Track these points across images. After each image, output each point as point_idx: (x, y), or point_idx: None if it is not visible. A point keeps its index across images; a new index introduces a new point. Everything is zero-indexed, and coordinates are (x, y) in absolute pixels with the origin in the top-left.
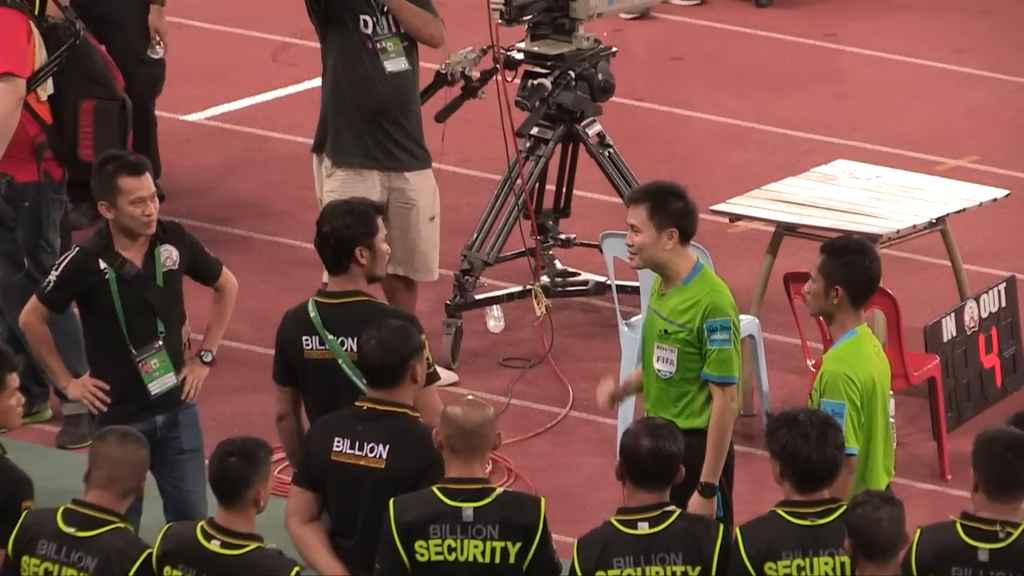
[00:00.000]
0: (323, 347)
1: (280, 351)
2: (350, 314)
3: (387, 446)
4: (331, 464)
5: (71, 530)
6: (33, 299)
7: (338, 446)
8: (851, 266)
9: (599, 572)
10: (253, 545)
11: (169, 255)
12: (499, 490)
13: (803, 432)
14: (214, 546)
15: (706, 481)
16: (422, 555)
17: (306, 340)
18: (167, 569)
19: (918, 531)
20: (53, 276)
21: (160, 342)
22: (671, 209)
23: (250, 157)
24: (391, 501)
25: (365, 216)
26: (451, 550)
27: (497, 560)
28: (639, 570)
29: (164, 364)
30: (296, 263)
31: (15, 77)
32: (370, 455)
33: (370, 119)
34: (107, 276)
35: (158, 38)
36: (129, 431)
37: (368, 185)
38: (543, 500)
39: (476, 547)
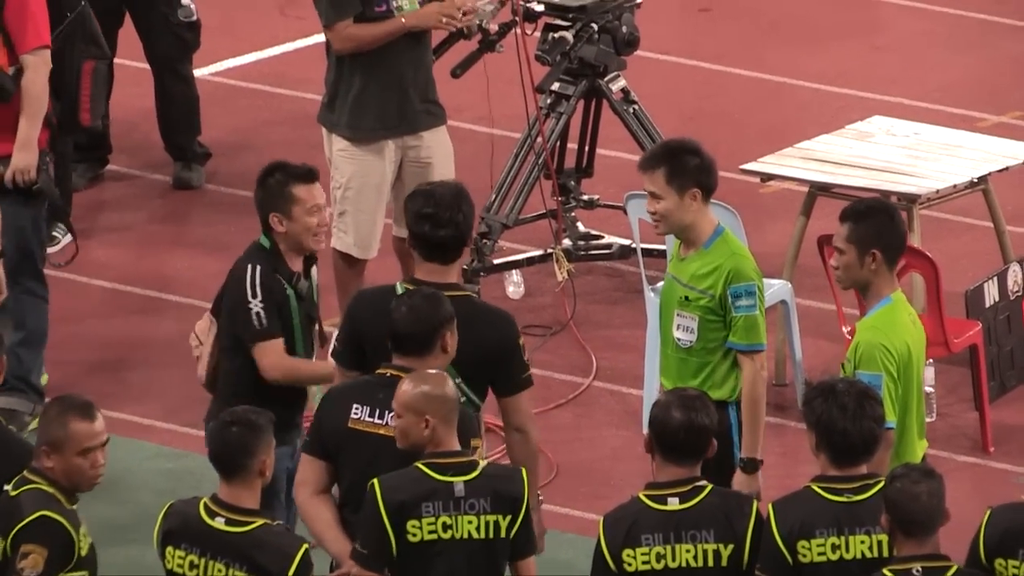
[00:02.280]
0: None
1: (351, 330)
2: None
3: None
4: (347, 432)
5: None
6: (267, 344)
7: (356, 413)
8: (882, 226)
9: (627, 550)
10: (260, 521)
11: (315, 268)
12: (483, 462)
13: (840, 403)
14: (218, 523)
15: (748, 456)
16: (414, 535)
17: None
18: (169, 549)
19: (988, 511)
20: (260, 308)
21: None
22: (689, 167)
23: (257, 114)
24: (375, 481)
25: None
26: (446, 527)
27: (491, 535)
28: (668, 548)
29: None
30: None
31: (46, 49)
32: (391, 423)
33: (386, 83)
34: (288, 293)
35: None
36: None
37: (384, 163)
38: (525, 471)
39: (470, 522)
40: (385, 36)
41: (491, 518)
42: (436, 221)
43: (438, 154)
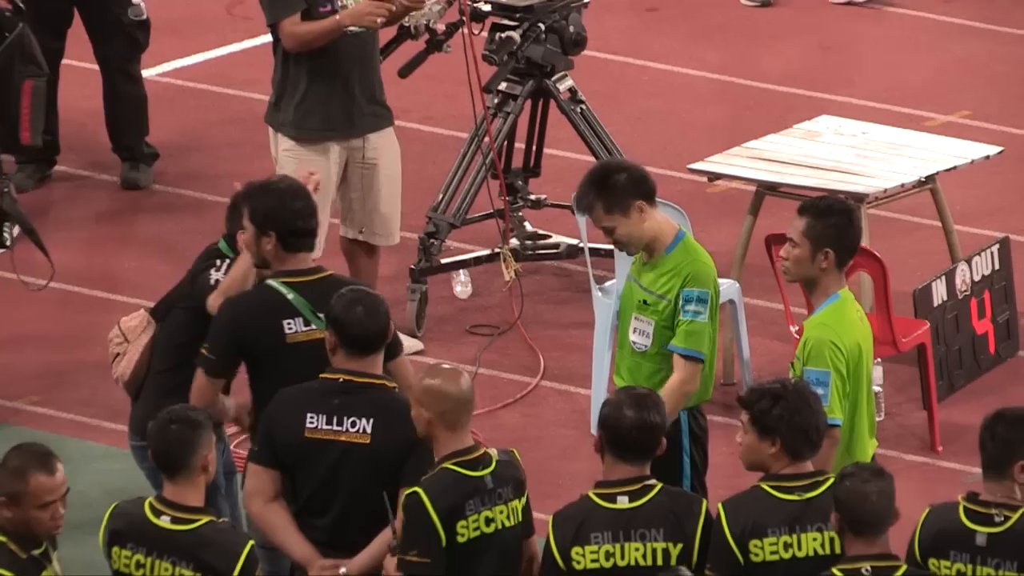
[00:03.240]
0: (309, 328)
1: (232, 338)
2: (329, 290)
3: (371, 420)
4: (304, 441)
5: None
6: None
7: (312, 422)
8: (840, 227)
9: (576, 548)
10: (205, 519)
11: None
12: (492, 451)
13: (794, 401)
14: (164, 522)
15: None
16: (462, 535)
17: (288, 324)
18: (116, 550)
19: (926, 510)
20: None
21: None
22: (620, 187)
23: (205, 115)
24: (420, 490)
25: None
26: (488, 521)
27: (515, 521)
28: (618, 546)
29: None
30: None
31: None
32: (351, 430)
33: (332, 85)
34: None
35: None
36: None
37: (329, 164)
38: (516, 452)
39: (502, 512)
40: (326, 34)
41: (514, 504)
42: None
43: (384, 156)
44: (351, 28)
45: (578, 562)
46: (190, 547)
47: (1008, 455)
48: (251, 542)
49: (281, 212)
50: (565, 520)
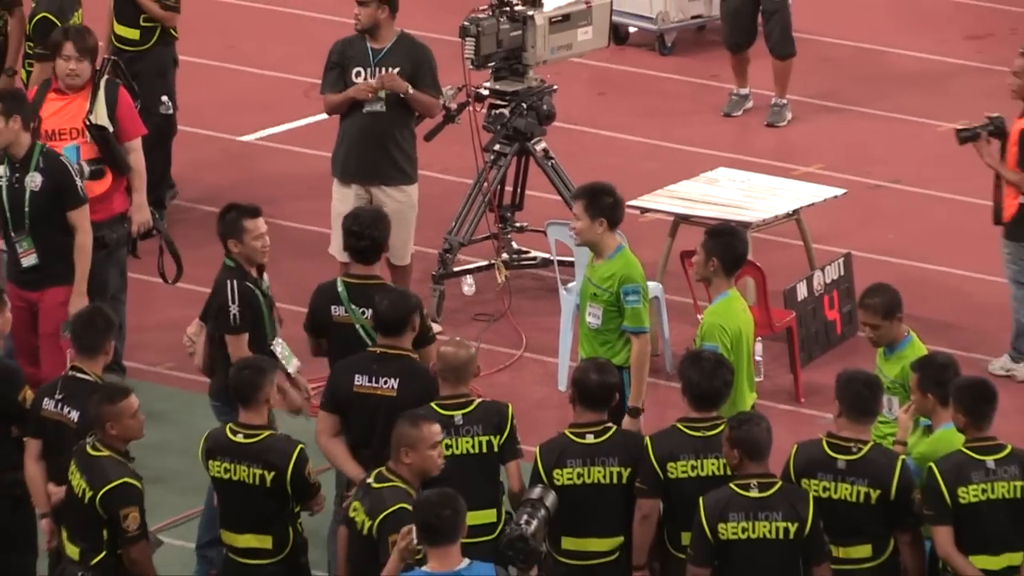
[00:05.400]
0: (346, 313)
1: (313, 313)
2: (370, 291)
3: (397, 380)
4: (354, 395)
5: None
6: (237, 337)
7: (358, 381)
8: (725, 244)
9: (556, 469)
10: (266, 433)
11: (265, 274)
12: (478, 400)
13: (701, 367)
14: (239, 438)
15: (633, 405)
16: None
17: (333, 310)
18: (211, 462)
19: (795, 446)
20: (237, 312)
21: None
22: (601, 204)
23: (290, 166)
24: (402, 415)
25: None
26: (447, 447)
27: (484, 450)
28: (586, 469)
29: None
30: (311, 242)
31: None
32: (384, 386)
33: (352, 144)
34: (255, 292)
35: (166, 99)
36: None
37: (345, 195)
38: (510, 405)
39: (467, 443)
40: (340, 103)
41: (483, 438)
42: (357, 235)
43: (391, 204)
44: (367, 107)
45: (558, 479)
46: (258, 453)
47: (866, 404)
48: (300, 446)
49: (345, 235)
50: (549, 450)
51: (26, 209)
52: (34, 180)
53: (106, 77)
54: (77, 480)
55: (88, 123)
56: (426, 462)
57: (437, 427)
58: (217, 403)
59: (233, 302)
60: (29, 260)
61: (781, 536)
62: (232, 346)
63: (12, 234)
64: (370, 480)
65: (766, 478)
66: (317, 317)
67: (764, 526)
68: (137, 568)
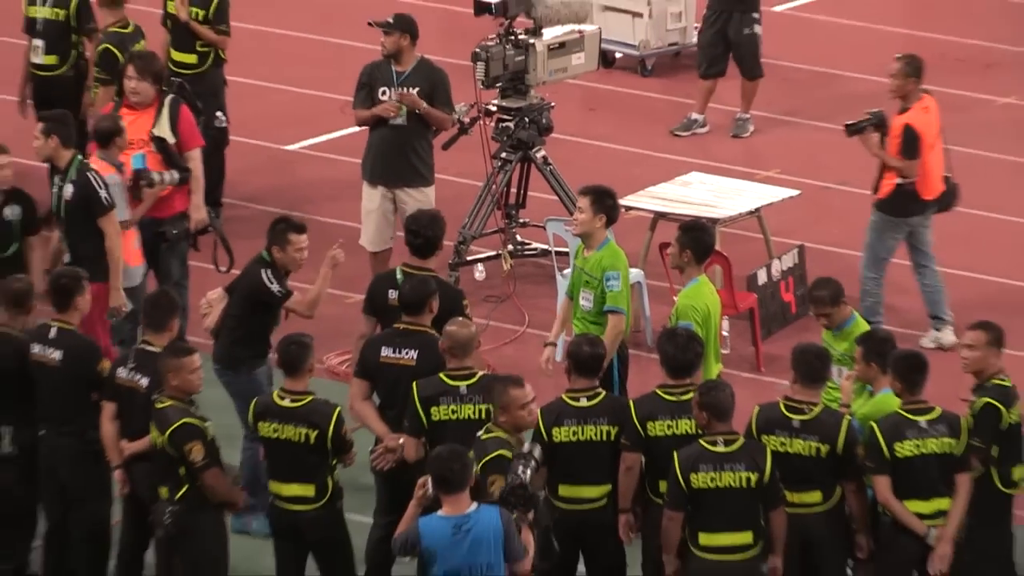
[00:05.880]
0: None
1: (371, 297)
2: (424, 284)
3: (416, 351)
4: (380, 364)
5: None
6: (293, 298)
7: (385, 353)
8: (695, 237)
9: (555, 428)
10: (310, 398)
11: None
12: (481, 373)
13: (675, 342)
14: (286, 403)
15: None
16: (436, 416)
17: (390, 294)
18: (261, 424)
19: (756, 407)
20: (278, 287)
21: None
22: (604, 203)
23: (326, 171)
24: (413, 383)
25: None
26: (453, 412)
27: (483, 417)
28: (580, 428)
29: None
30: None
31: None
32: (405, 357)
33: (378, 152)
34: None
35: (220, 114)
36: None
37: (372, 195)
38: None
39: (469, 409)
40: (368, 118)
41: (483, 407)
42: (414, 232)
43: (411, 203)
44: (391, 121)
45: (556, 436)
46: (303, 415)
47: (817, 372)
48: (338, 408)
49: (405, 232)
50: (548, 412)
51: (61, 215)
52: (67, 190)
53: (171, 96)
54: (153, 433)
55: (152, 135)
56: (518, 420)
57: (525, 391)
58: (218, 367)
59: (271, 283)
60: (65, 258)
61: (743, 484)
62: (294, 304)
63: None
64: (480, 433)
65: (731, 435)
66: (376, 300)
67: (729, 476)
68: (214, 493)
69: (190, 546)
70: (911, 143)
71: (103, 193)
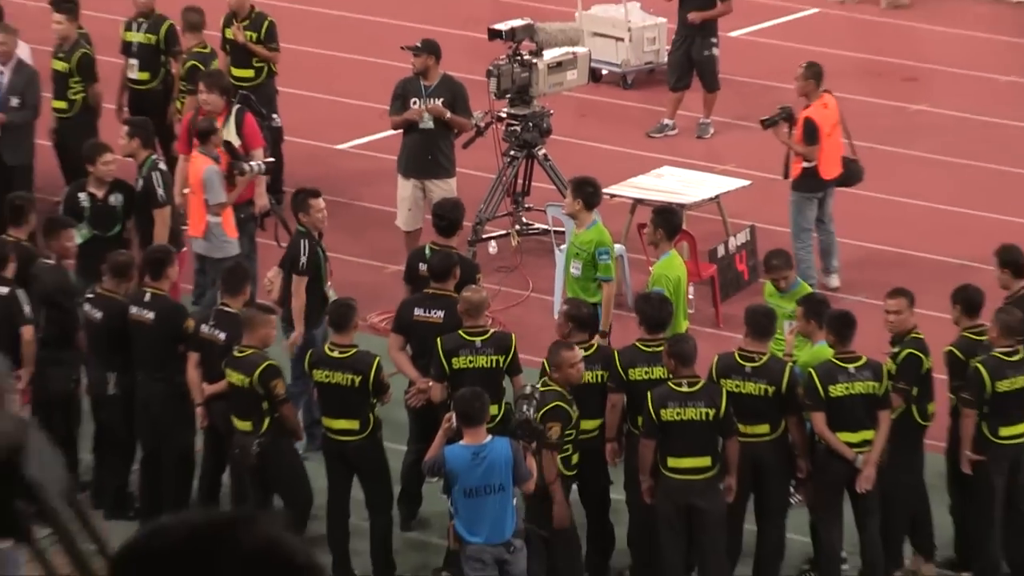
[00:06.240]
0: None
1: (409, 268)
2: (448, 257)
3: (443, 311)
4: (413, 321)
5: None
6: (300, 278)
7: (417, 312)
8: (666, 219)
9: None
10: (355, 350)
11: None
12: (492, 330)
13: (651, 302)
14: (335, 353)
15: (602, 329)
16: (456, 365)
17: (421, 266)
18: (315, 371)
19: (716, 356)
20: (304, 260)
21: None
22: (583, 191)
23: (368, 166)
24: (438, 339)
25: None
26: (470, 362)
27: (494, 366)
28: (583, 375)
29: None
30: (381, 221)
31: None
32: (433, 316)
33: (410, 150)
34: (317, 249)
35: (276, 116)
36: None
37: (405, 185)
38: (513, 335)
39: (483, 360)
40: (401, 122)
41: (494, 357)
42: (439, 216)
43: (436, 192)
44: (420, 125)
45: None
46: (349, 363)
47: (765, 328)
48: (378, 358)
49: (432, 216)
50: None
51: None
52: (138, 183)
53: (237, 106)
54: (237, 376)
55: (223, 140)
56: (568, 376)
57: (574, 353)
58: (284, 324)
59: (303, 254)
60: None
61: (703, 418)
62: (296, 284)
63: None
64: (537, 385)
65: (693, 378)
66: (411, 271)
67: (692, 411)
68: (289, 422)
69: (279, 468)
70: (811, 132)
71: (160, 191)
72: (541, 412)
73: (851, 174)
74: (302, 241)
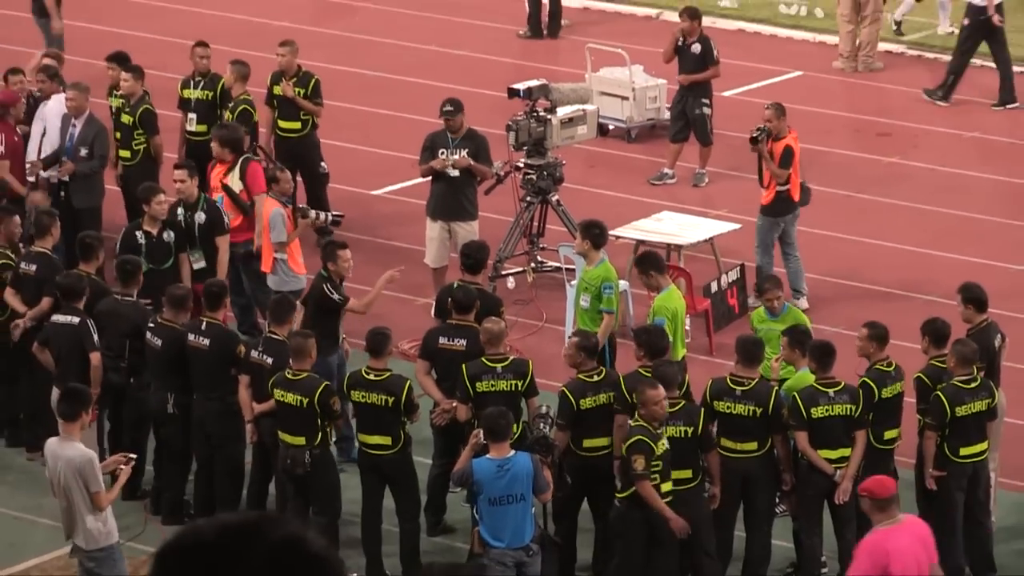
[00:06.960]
0: None
1: (439, 303)
2: (470, 293)
3: (465, 340)
4: (438, 349)
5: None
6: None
7: (441, 340)
8: (652, 262)
9: (582, 399)
10: (389, 373)
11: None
12: (511, 356)
13: (650, 333)
14: (370, 376)
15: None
16: (479, 388)
17: (450, 300)
18: (352, 392)
19: (710, 380)
20: (337, 296)
21: None
22: (590, 232)
23: (401, 209)
24: (463, 365)
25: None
26: (492, 386)
27: (512, 390)
28: (594, 398)
29: None
30: (412, 255)
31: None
32: (457, 344)
33: (438, 196)
34: (335, 297)
35: (323, 164)
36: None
37: (433, 227)
38: (531, 361)
39: (504, 384)
40: (430, 170)
41: (513, 382)
42: (467, 256)
43: (461, 235)
44: (447, 173)
45: (583, 405)
46: (384, 385)
47: (754, 355)
48: (408, 381)
49: (460, 256)
50: (574, 389)
51: (196, 235)
52: (198, 216)
53: (245, 155)
54: (291, 397)
55: (223, 184)
56: (653, 413)
57: (658, 391)
58: None
59: (333, 293)
60: (199, 264)
61: (682, 435)
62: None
63: (188, 249)
64: (631, 421)
65: (675, 400)
66: (440, 306)
67: (672, 429)
68: (338, 434)
69: (323, 477)
70: (788, 158)
71: (225, 220)
72: (627, 444)
73: (806, 197)
74: (325, 285)
